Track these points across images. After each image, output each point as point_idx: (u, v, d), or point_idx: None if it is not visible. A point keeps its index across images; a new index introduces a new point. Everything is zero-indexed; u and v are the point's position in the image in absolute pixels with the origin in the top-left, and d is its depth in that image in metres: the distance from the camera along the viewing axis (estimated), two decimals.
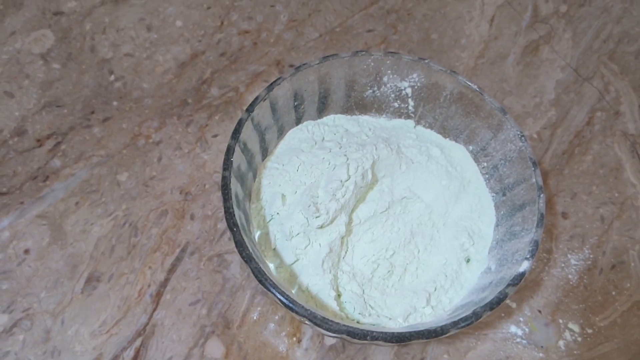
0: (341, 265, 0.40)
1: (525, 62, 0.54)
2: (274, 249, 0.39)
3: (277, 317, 0.41)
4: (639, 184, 0.48)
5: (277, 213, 0.40)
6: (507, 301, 0.42)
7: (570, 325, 0.42)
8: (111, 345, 0.39)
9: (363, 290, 0.39)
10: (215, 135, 0.48)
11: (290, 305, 0.33)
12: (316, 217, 0.38)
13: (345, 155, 0.40)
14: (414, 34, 0.54)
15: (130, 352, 0.39)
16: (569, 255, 0.45)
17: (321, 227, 0.39)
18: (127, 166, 0.46)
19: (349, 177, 0.39)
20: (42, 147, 0.46)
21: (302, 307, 0.33)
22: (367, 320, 0.38)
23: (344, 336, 0.32)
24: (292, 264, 0.38)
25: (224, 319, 0.40)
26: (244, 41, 0.53)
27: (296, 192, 0.40)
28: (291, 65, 0.52)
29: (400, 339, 0.33)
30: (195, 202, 0.45)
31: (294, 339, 0.40)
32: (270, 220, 0.40)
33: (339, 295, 0.38)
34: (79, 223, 0.43)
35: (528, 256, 0.36)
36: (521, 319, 0.42)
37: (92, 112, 0.48)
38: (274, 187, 0.41)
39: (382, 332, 0.33)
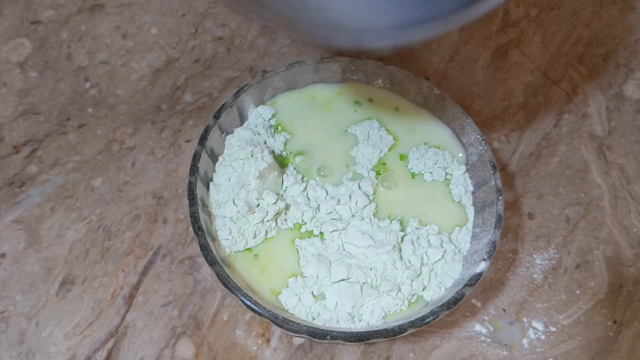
0: None
1: (495, 66, 0.55)
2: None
3: (247, 318, 0.42)
4: (604, 185, 0.49)
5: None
6: (472, 300, 0.43)
7: (534, 324, 0.43)
8: (84, 347, 0.40)
9: None
10: (188, 141, 0.49)
11: (253, 306, 0.34)
12: (252, 214, 0.38)
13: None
14: None
15: (103, 353, 0.40)
16: (534, 255, 0.46)
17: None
18: (102, 171, 0.47)
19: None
20: (18, 153, 0.47)
21: (264, 308, 0.34)
22: None
23: (305, 336, 0.34)
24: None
25: (194, 320, 0.41)
26: (218, 47, 0.54)
27: (230, 179, 0.40)
28: (264, 71, 0.53)
29: (359, 338, 0.34)
30: (168, 206, 0.46)
31: (263, 338, 0.41)
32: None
33: None
34: (54, 228, 0.44)
35: (485, 257, 0.37)
36: (486, 317, 0.43)
37: (68, 119, 0.49)
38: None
39: (341, 332, 0.34)
